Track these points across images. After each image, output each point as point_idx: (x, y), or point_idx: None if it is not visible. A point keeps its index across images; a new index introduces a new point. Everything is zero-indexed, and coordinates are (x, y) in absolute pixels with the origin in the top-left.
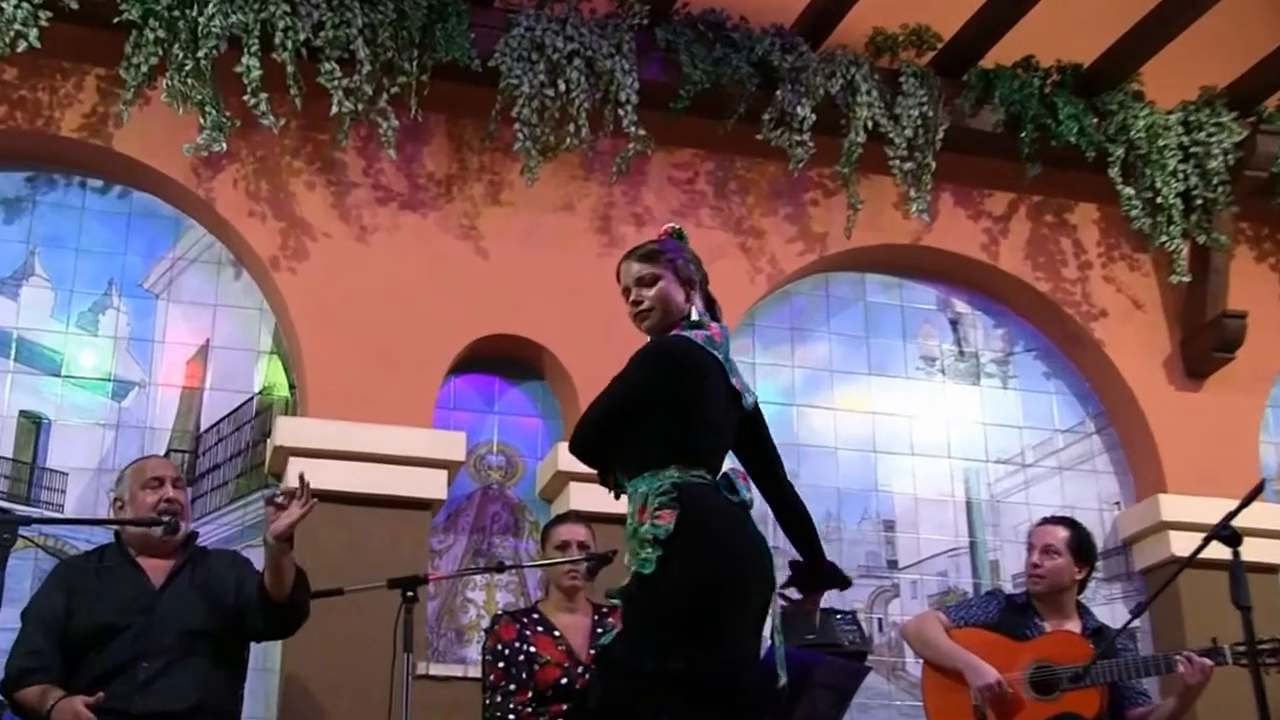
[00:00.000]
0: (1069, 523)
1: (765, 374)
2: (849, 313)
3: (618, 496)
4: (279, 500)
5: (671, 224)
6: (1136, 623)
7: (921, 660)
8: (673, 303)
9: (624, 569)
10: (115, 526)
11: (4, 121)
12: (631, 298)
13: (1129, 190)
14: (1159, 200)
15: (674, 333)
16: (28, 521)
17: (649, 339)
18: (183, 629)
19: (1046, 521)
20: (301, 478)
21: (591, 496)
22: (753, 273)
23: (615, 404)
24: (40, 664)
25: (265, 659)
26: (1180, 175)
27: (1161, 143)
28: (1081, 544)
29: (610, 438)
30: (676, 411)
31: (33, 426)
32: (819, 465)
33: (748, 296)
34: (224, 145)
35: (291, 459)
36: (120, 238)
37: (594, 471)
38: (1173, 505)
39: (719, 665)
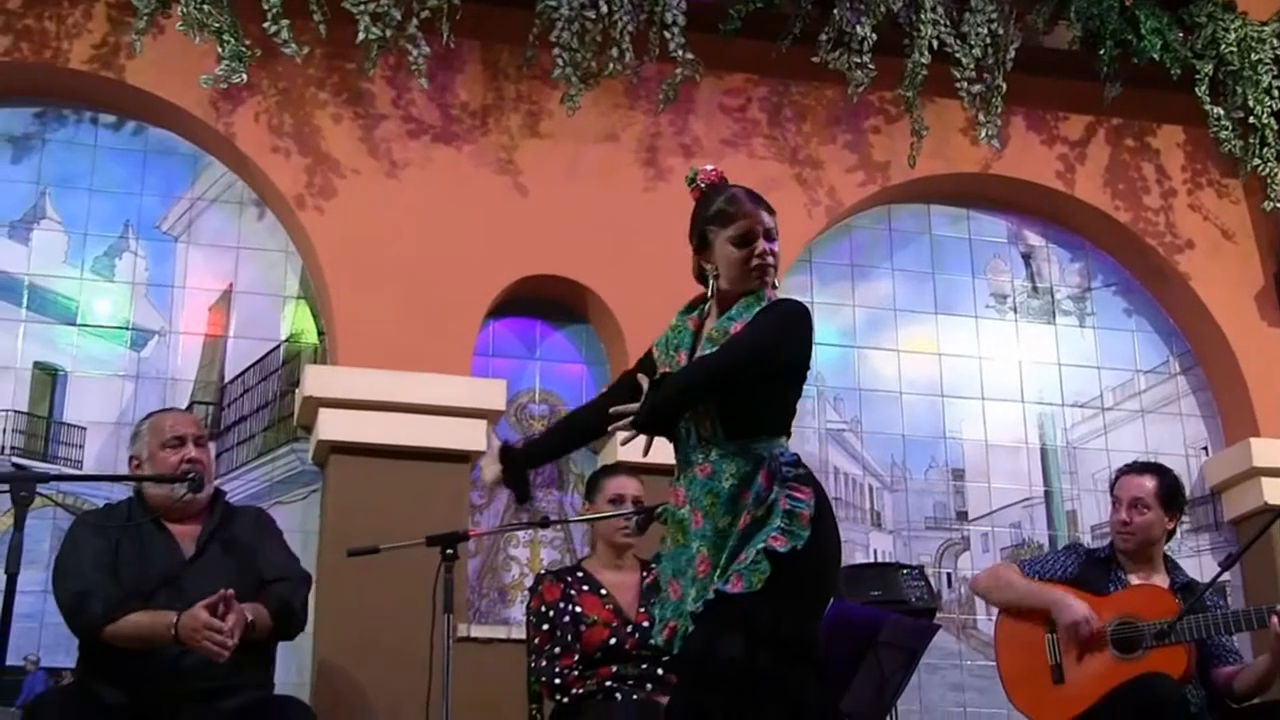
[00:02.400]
0: (1156, 470)
1: (824, 314)
2: (913, 247)
3: (670, 437)
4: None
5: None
6: (1226, 576)
7: (994, 617)
8: (779, 264)
9: (690, 521)
10: (134, 486)
11: (9, 54)
12: (761, 248)
13: (1218, 110)
14: (1251, 120)
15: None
16: (45, 478)
17: (778, 296)
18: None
19: (1131, 470)
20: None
21: (640, 447)
22: (810, 205)
23: (777, 354)
24: (117, 604)
25: None
26: (1275, 92)
27: (1255, 57)
28: (1170, 492)
29: (747, 385)
30: (798, 382)
31: (48, 379)
32: (883, 411)
33: (805, 231)
34: (244, 76)
35: (322, 410)
36: (136, 177)
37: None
38: (1266, 450)
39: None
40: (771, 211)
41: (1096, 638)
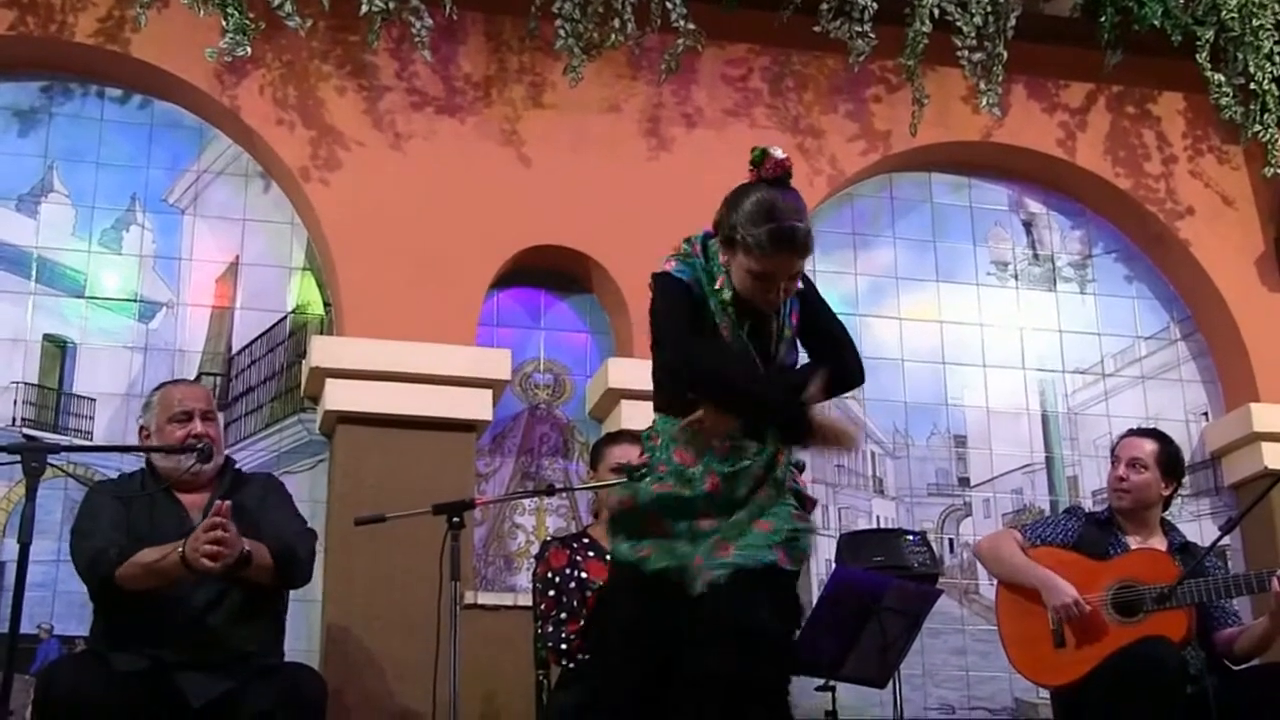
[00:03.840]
0: (1157, 435)
1: (827, 282)
2: (915, 215)
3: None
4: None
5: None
6: (1226, 540)
7: (995, 582)
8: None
9: (701, 483)
10: (145, 457)
11: (15, 28)
12: (774, 293)
13: (1219, 76)
14: (1252, 87)
15: None
16: (56, 449)
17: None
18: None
19: (1133, 434)
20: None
21: (644, 415)
22: (812, 175)
23: None
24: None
25: (306, 590)
26: (1276, 58)
27: (1256, 23)
28: (1170, 458)
29: None
30: None
31: (57, 350)
32: (885, 378)
33: (807, 200)
34: (248, 49)
35: (328, 380)
36: (142, 150)
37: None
38: (1265, 415)
39: None
40: (807, 252)
41: (1093, 606)
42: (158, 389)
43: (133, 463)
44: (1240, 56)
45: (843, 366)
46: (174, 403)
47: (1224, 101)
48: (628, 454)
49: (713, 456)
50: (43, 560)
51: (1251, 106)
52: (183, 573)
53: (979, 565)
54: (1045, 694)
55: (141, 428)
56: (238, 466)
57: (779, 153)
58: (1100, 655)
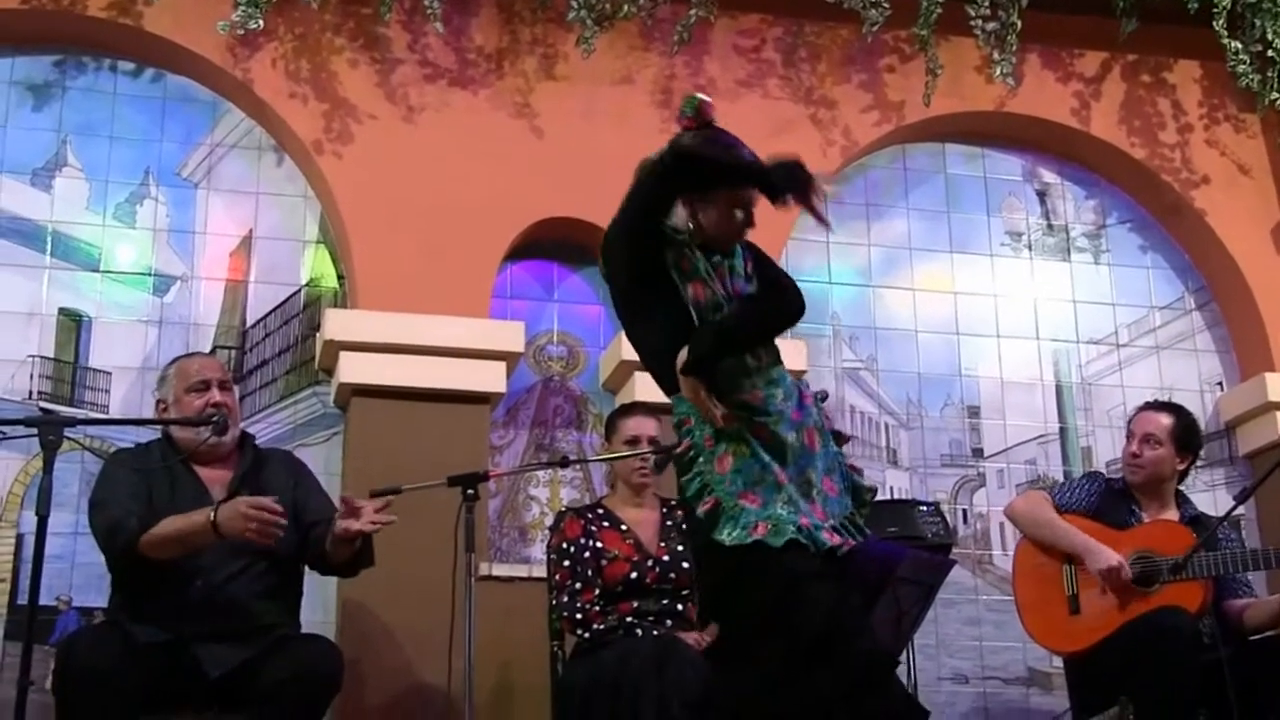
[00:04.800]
0: (1173, 409)
1: (840, 253)
2: (928, 186)
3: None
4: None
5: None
6: (1241, 510)
7: (1012, 550)
8: None
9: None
10: (162, 430)
11: (27, 1)
12: (747, 220)
13: (1236, 44)
14: (1270, 54)
15: None
16: (73, 423)
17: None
18: (243, 546)
19: (1149, 407)
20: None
21: (656, 387)
22: (825, 145)
23: None
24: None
25: None
26: None
27: None
28: (1185, 433)
29: None
30: None
31: (73, 325)
32: (898, 349)
33: (820, 171)
34: (260, 22)
35: (343, 353)
36: (155, 124)
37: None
38: None
39: None
40: None
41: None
42: (172, 362)
43: (148, 435)
44: (1258, 23)
45: (785, 303)
46: (192, 373)
47: (1241, 69)
48: (641, 426)
49: (750, 409)
50: (61, 533)
51: (1269, 74)
52: (211, 540)
53: (991, 535)
54: (1059, 663)
55: (158, 401)
56: (256, 442)
57: (705, 97)
58: (1115, 624)
